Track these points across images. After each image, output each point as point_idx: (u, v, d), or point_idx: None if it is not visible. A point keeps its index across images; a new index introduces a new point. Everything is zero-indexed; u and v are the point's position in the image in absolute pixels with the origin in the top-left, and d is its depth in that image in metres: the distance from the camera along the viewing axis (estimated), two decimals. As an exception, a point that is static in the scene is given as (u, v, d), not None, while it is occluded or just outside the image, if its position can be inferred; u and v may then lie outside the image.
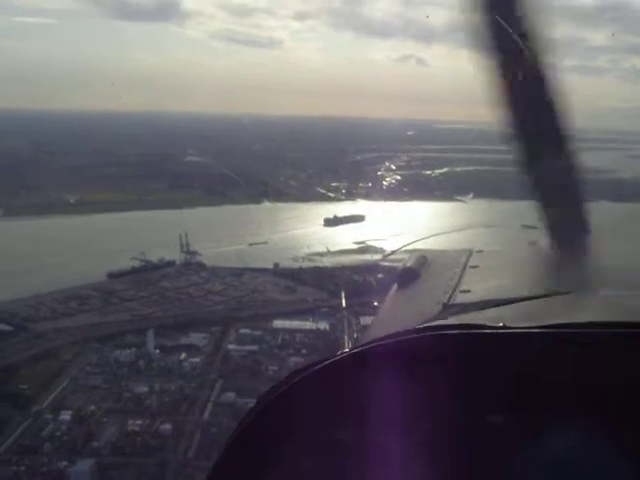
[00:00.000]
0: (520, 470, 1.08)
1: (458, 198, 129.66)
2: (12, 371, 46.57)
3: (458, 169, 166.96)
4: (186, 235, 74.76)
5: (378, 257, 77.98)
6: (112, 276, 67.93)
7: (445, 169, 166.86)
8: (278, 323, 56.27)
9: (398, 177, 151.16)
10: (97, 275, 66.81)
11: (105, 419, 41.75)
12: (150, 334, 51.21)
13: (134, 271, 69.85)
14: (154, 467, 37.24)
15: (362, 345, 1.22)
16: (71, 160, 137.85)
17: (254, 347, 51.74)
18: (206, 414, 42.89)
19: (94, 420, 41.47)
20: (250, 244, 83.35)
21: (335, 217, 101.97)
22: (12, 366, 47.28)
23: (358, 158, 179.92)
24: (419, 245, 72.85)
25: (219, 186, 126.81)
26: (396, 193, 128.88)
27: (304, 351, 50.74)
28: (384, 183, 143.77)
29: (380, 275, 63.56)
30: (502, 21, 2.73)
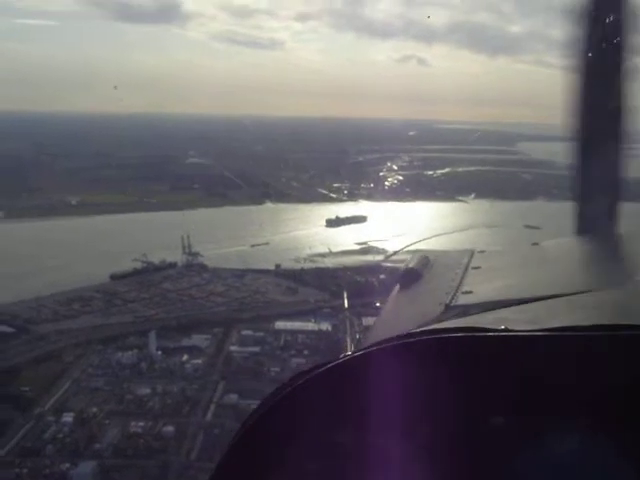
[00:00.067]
0: (522, 473, 1.08)
1: (460, 198, 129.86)
2: (14, 373, 46.61)
3: (460, 169, 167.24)
4: (188, 237, 74.92)
5: (380, 258, 78.14)
6: (114, 278, 68.05)
7: (447, 169, 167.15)
8: (280, 324, 56.26)
9: (400, 177, 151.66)
10: (99, 277, 66.90)
11: (107, 421, 41.74)
12: (152, 336, 51.24)
13: (136, 273, 69.96)
14: (156, 469, 37.21)
15: (365, 348, 1.22)
16: (73, 162, 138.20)
17: (256, 348, 51.73)
18: (208, 416, 42.86)
19: (96, 422, 41.46)
20: (252, 245, 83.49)
21: (337, 218, 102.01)
22: (14, 368, 47.32)
23: (360, 159, 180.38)
24: (421, 246, 73.04)
25: (220, 187, 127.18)
26: (398, 193, 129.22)
27: (306, 352, 50.72)
28: (386, 184, 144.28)
29: (382, 276, 63.64)
30: (599, 28, 2.86)
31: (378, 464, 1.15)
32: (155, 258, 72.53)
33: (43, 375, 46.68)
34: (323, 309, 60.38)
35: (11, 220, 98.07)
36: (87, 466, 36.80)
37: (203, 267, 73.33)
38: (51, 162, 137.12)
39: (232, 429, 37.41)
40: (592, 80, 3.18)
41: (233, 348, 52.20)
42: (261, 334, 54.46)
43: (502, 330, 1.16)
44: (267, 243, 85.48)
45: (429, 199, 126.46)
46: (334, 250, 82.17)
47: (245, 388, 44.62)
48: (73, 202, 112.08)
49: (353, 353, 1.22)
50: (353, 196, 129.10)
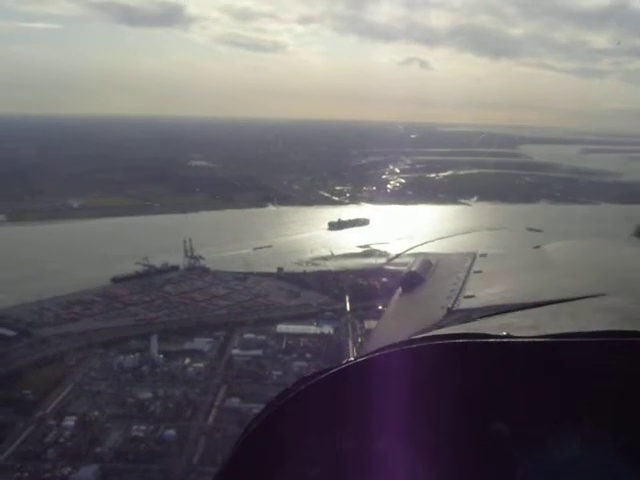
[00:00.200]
0: None
1: (462, 201, 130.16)
2: (16, 376, 46.61)
3: (462, 172, 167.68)
4: (190, 240, 75.04)
5: (382, 261, 78.27)
6: (116, 281, 68.14)
7: (449, 172, 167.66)
8: (282, 327, 56.23)
9: (402, 180, 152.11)
10: (101, 280, 66.99)
11: (109, 425, 41.68)
12: (154, 339, 51.21)
13: (138, 276, 70.02)
14: (158, 473, 37.17)
15: (368, 353, 1.22)
16: (75, 165, 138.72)
17: (258, 352, 51.67)
18: (210, 419, 42.77)
19: (98, 426, 41.42)
20: (254, 248, 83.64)
21: (339, 221, 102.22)
22: (16, 371, 47.34)
23: (362, 161, 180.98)
24: (423, 248, 72.98)
25: (223, 190, 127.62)
26: (400, 196, 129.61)
27: (308, 355, 50.66)
28: (388, 186, 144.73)
29: (384, 279, 63.76)
30: None
31: (381, 470, 1.15)
32: (157, 261, 72.64)
33: (44, 378, 46.65)
34: (325, 312, 60.38)
35: (13, 223, 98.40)
36: (88, 470, 36.73)
37: (205, 270, 73.42)
38: (53, 165, 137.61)
39: (234, 433, 37.36)
40: None
41: (235, 351, 52.16)
42: (263, 337, 54.43)
43: (504, 336, 1.16)
44: (269, 246, 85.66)
45: (431, 202, 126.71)
46: (336, 253, 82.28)
47: (247, 392, 44.60)
48: (75, 205, 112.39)
49: (356, 359, 1.23)
50: (355, 199, 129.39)
